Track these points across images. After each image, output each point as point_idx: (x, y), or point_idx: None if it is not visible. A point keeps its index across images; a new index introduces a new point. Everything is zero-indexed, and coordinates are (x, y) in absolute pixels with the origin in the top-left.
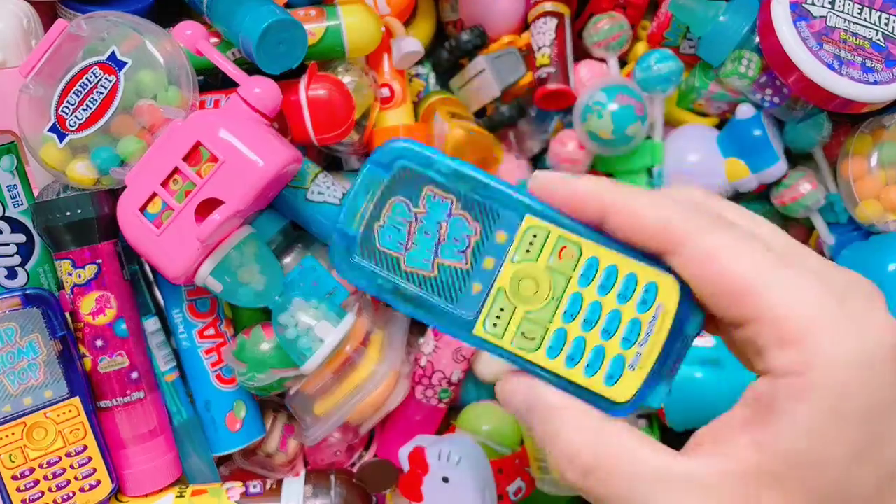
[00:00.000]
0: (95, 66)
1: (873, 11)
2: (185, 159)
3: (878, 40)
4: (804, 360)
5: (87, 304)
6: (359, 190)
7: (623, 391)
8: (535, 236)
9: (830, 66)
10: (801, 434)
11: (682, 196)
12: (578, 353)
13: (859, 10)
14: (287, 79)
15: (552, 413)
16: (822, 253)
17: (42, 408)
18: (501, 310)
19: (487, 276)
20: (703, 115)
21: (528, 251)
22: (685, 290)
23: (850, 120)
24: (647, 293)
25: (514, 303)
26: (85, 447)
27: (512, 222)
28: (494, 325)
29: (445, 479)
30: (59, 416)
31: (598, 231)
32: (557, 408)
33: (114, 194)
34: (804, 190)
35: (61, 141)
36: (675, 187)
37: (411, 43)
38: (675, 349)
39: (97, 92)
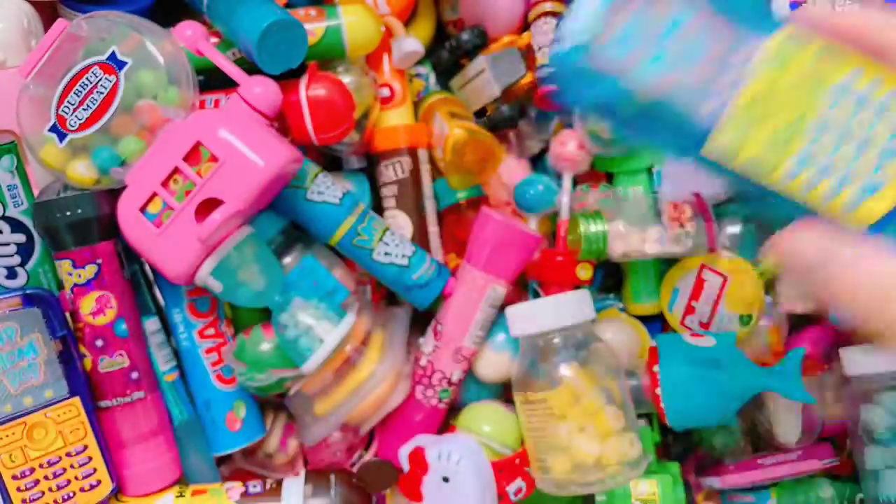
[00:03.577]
0: (95, 66)
1: None
2: (185, 159)
3: None
4: None
5: (87, 304)
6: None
7: (864, 216)
8: (790, 47)
9: None
10: None
11: None
12: (822, 173)
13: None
14: (287, 79)
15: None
16: None
17: (42, 407)
18: (739, 127)
19: (725, 90)
20: None
21: (779, 64)
22: None
23: None
24: None
25: (755, 120)
26: (85, 447)
27: (757, 36)
28: (729, 142)
29: (445, 479)
30: (59, 415)
31: None
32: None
33: (114, 194)
34: None
35: (61, 141)
36: None
37: (411, 42)
38: None
39: (97, 92)
